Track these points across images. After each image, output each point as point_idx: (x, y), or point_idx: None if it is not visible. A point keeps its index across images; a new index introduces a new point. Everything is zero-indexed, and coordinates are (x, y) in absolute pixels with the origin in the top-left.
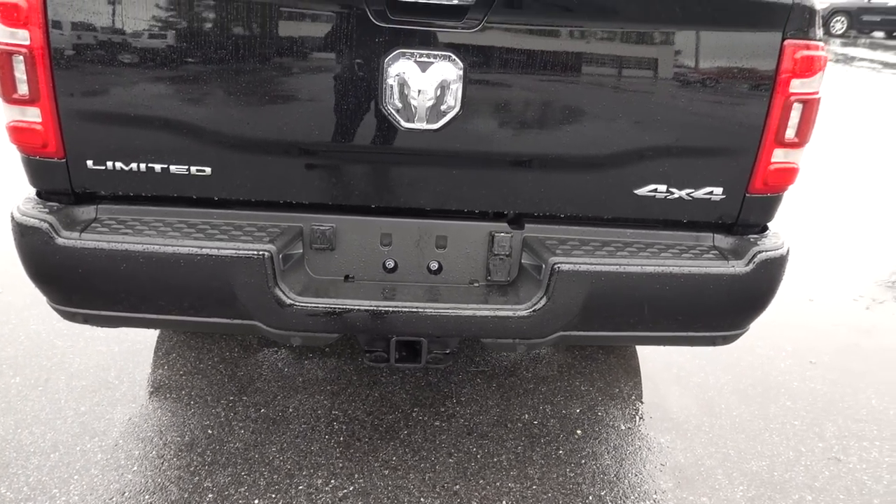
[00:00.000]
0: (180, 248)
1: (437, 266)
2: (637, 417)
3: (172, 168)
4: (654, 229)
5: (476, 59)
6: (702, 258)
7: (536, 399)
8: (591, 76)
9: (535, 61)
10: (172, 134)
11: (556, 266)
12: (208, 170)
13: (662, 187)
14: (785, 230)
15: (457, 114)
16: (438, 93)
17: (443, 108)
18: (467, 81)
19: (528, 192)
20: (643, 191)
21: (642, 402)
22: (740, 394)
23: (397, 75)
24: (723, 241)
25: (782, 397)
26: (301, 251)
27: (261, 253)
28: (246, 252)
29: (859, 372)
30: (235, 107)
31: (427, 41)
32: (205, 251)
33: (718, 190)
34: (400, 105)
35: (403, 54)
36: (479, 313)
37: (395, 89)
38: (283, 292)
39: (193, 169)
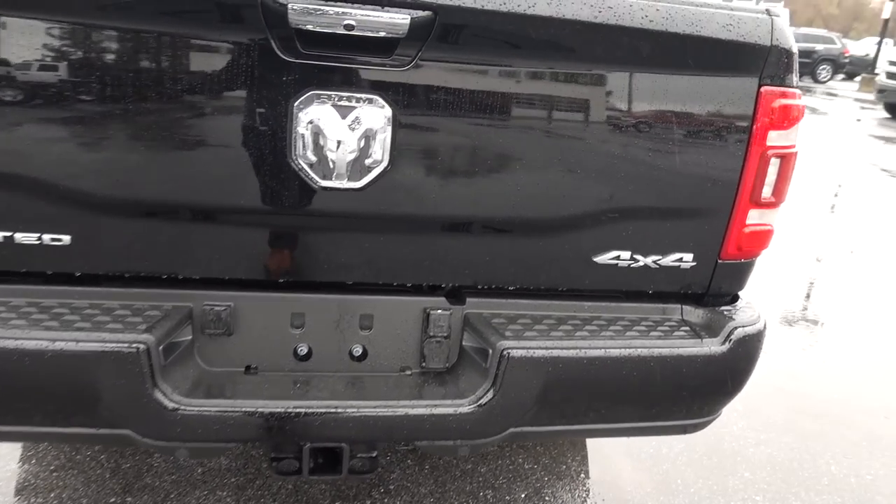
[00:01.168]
0: (26, 341)
1: (360, 351)
2: (588, 500)
3: (18, 236)
4: (617, 301)
5: (408, 104)
6: (672, 336)
7: (476, 483)
8: (543, 125)
9: (478, 106)
10: (17, 193)
11: (505, 352)
12: (66, 238)
13: (626, 254)
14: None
15: (385, 169)
16: (362, 144)
17: (368, 162)
18: (397, 130)
19: (470, 260)
20: (604, 258)
21: (592, 481)
22: (696, 465)
23: (310, 123)
24: (693, 313)
25: (740, 467)
26: (190, 338)
27: (134, 346)
28: (114, 346)
29: (813, 433)
30: (103, 158)
31: (348, 81)
32: (58, 346)
33: (688, 256)
34: (314, 159)
35: (318, 97)
36: (412, 412)
37: (308, 140)
38: (165, 394)
39: (47, 237)
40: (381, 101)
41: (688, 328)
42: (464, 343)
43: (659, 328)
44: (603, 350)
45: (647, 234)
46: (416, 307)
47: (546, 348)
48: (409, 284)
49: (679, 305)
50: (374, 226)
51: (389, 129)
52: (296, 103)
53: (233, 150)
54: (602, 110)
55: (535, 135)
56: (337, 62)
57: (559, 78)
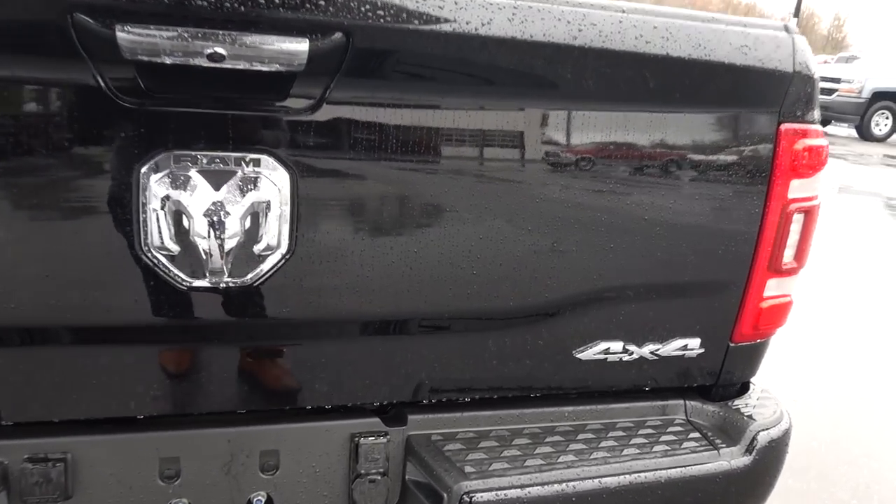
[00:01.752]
0: None
1: (264, 503)
2: None
3: None
4: (605, 402)
5: (314, 163)
6: (682, 448)
7: None
8: (504, 177)
9: (414, 160)
10: None
11: (467, 497)
12: None
13: (616, 346)
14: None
15: (284, 257)
16: (248, 224)
17: (258, 249)
18: (300, 201)
19: (411, 366)
20: (589, 353)
21: None
22: None
23: (167, 198)
24: (701, 412)
25: None
26: None
27: None
28: None
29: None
30: None
31: (220, 136)
32: None
33: (694, 342)
34: (176, 249)
35: (177, 160)
36: None
37: (166, 222)
38: None
39: None
40: (273, 161)
41: (698, 434)
42: (408, 478)
43: (663, 436)
44: (597, 481)
45: (642, 318)
46: (339, 434)
47: (523, 486)
48: (328, 406)
49: (682, 401)
50: (273, 333)
51: (288, 200)
52: (143, 170)
53: (57, 240)
54: (580, 160)
55: (493, 193)
56: (202, 108)
57: (522, 120)
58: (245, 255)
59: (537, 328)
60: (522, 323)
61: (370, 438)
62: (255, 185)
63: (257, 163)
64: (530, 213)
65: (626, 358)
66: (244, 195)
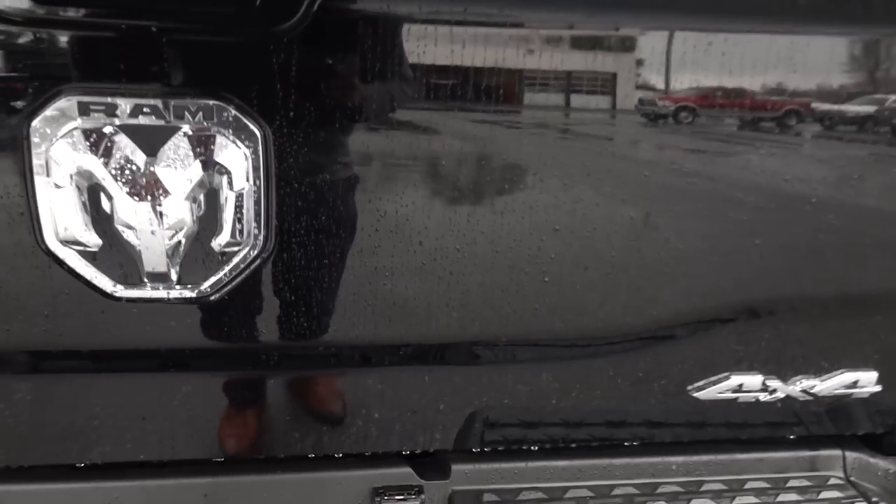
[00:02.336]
0: None
1: None
2: None
3: None
4: (728, 452)
5: (299, 113)
6: None
7: None
8: (592, 137)
9: (449, 104)
10: None
11: None
12: None
13: (753, 380)
14: None
15: (259, 256)
16: (201, 208)
17: (219, 243)
18: (281, 173)
19: (457, 400)
20: (711, 391)
21: None
22: None
23: (75, 166)
24: (865, 467)
25: None
26: None
27: None
28: None
29: None
30: None
31: (153, 70)
32: None
33: (868, 377)
34: (94, 241)
35: (86, 109)
36: None
37: (77, 202)
38: None
39: None
40: (234, 112)
41: (865, 501)
42: None
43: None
44: None
45: (794, 343)
46: (354, 490)
47: None
48: (336, 453)
49: (839, 452)
50: (248, 361)
51: (262, 170)
52: (35, 123)
53: None
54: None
55: (576, 162)
56: (120, 26)
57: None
58: (200, 252)
59: (636, 356)
60: (614, 348)
61: (398, 496)
62: (209, 149)
63: (211, 113)
64: (632, 190)
65: (764, 397)
66: (192, 163)
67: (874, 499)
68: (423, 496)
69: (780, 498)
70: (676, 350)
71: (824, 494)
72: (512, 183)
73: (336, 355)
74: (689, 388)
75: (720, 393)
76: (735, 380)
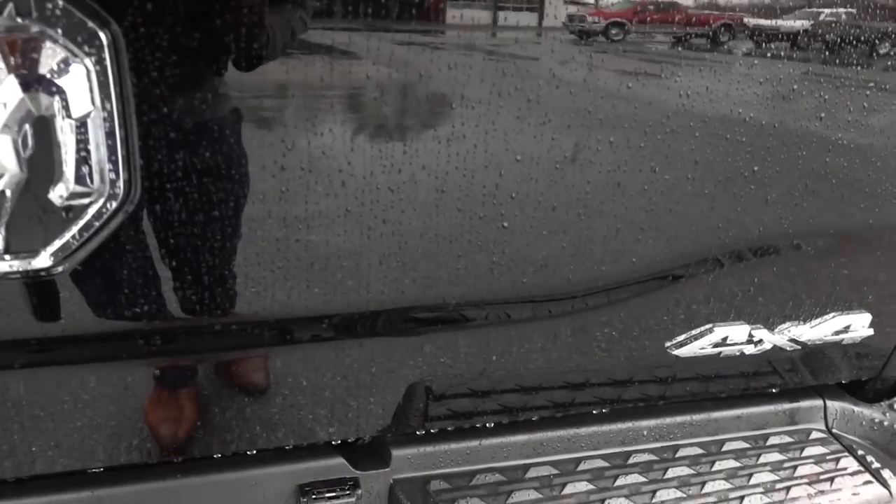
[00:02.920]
0: None
1: None
2: None
3: None
4: (702, 411)
5: (148, 12)
6: (830, 485)
7: None
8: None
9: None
10: None
11: None
12: None
13: (738, 332)
14: None
15: (118, 209)
16: (28, 146)
17: (59, 195)
18: (140, 94)
19: (394, 376)
20: (693, 347)
21: None
22: None
23: None
24: (847, 417)
25: None
26: None
27: None
28: None
29: None
30: None
31: None
32: None
33: (860, 320)
34: None
35: None
36: None
37: None
38: None
39: None
40: (67, 3)
41: (849, 455)
42: None
43: (797, 464)
44: None
45: (783, 287)
46: (277, 489)
47: None
48: (249, 450)
49: (820, 402)
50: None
51: (115, 88)
52: None
53: None
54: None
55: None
56: None
57: None
58: (35, 208)
59: (606, 312)
60: (582, 304)
61: (328, 494)
62: (30, 59)
63: (28, 6)
64: (601, 115)
65: (749, 350)
66: (6, 82)
67: (860, 452)
68: (359, 490)
69: (762, 459)
70: (654, 303)
71: (808, 451)
72: (435, 113)
73: (241, 333)
74: (668, 344)
75: (702, 349)
76: (719, 332)
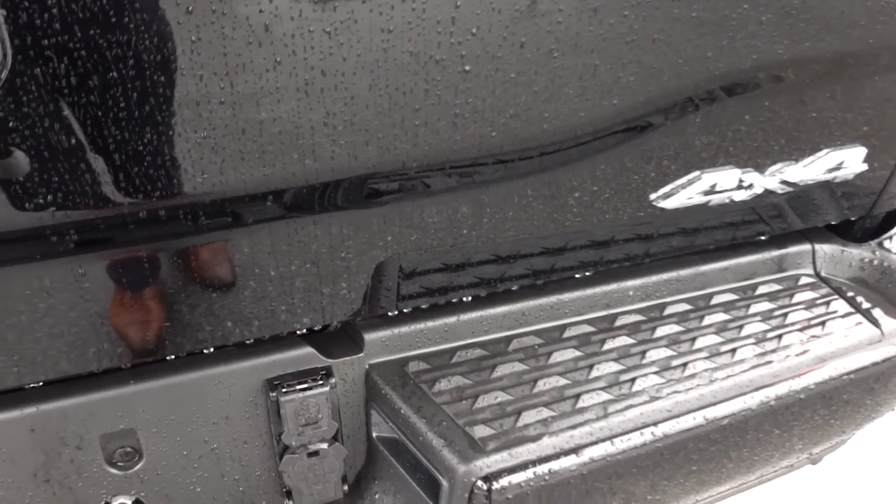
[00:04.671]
0: None
1: None
2: None
3: None
4: (688, 266)
5: None
6: (822, 329)
7: None
8: None
9: None
10: None
11: (484, 485)
12: None
13: (728, 177)
14: None
15: None
16: None
17: None
18: None
19: (361, 250)
20: (680, 197)
21: None
22: None
23: None
24: (835, 260)
25: None
26: None
27: None
28: None
29: None
30: None
31: None
32: None
33: (855, 154)
34: None
35: None
36: None
37: None
38: None
39: None
40: None
41: (840, 299)
42: (376, 435)
43: (788, 311)
44: (707, 414)
45: (775, 123)
46: (241, 387)
47: (579, 449)
48: (207, 347)
49: (808, 246)
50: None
51: None
52: None
53: None
54: None
55: None
56: None
57: None
58: None
59: (585, 165)
60: (558, 159)
61: (299, 386)
62: None
63: None
64: None
65: (738, 196)
66: None
67: (849, 293)
68: (332, 379)
69: (752, 309)
70: (634, 152)
71: (797, 297)
72: None
73: (181, 217)
74: (653, 196)
75: (689, 198)
76: (707, 179)
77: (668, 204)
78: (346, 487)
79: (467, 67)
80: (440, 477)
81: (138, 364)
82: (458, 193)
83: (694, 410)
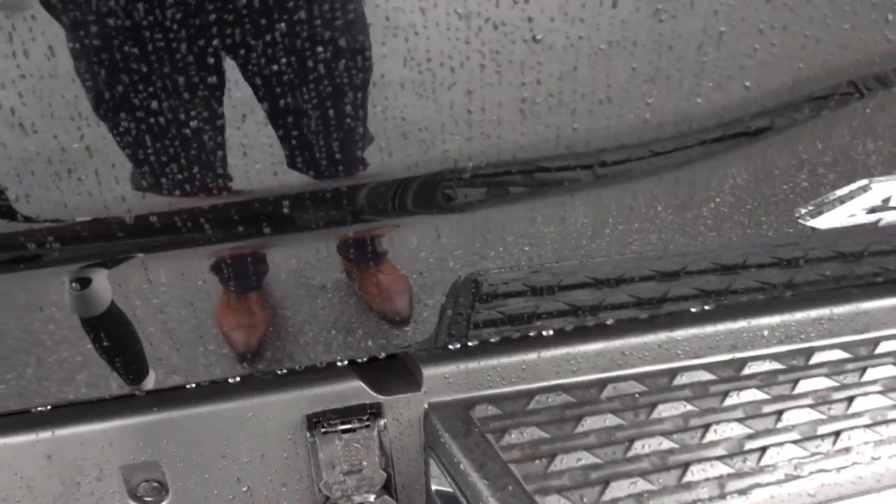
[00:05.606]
0: None
1: None
2: None
3: None
4: (844, 301)
5: None
6: None
7: None
8: None
9: None
10: None
11: None
12: None
13: None
14: None
15: None
16: None
17: None
18: None
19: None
20: (839, 212)
21: None
22: None
23: None
24: None
25: None
26: None
27: None
28: None
29: None
30: None
31: None
32: None
33: None
34: None
35: None
36: None
37: None
38: None
39: None
40: None
41: None
42: (435, 488)
43: None
44: None
45: None
46: (278, 420)
47: None
48: (236, 377)
49: None
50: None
51: None
52: None
53: None
54: None
55: None
56: None
57: None
58: None
59: (709, 167)
60: (672, 159)
61: (345, 424)
62: None
63: None
64: None
65: None
66: None
67: None
68: (381, 420)
69: None
70: (776, 153)
71: None
72: None
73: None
74: (801, 212)
75: (851, 215)
76: (879, 191)
77: (818, 222)
78: None
79: (537, 37)
80: None
81: (161, 390)
82: (546, 198)
83: (849, 497)
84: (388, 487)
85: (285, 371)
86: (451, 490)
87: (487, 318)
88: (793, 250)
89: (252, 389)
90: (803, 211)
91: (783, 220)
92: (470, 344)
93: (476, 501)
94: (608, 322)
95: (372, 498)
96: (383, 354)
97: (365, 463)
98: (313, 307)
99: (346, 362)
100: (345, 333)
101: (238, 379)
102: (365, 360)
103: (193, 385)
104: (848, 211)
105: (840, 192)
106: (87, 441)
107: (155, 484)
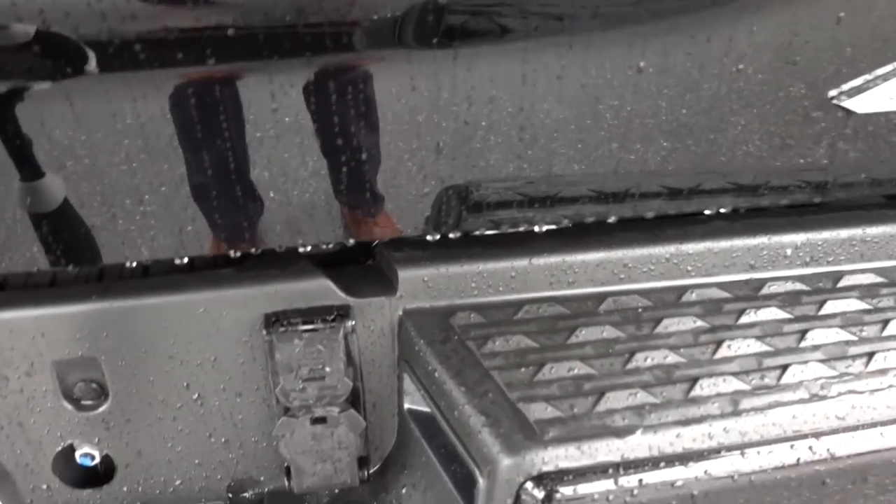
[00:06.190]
0: None
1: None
2: None
3: None
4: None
5: None
6: None
7: None
8: None
9: None
10: None
11: (537, 488)
12: None
13: None
14: None
15: None
16: None
17: None
18: None
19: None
20: (880, 93)
21: None
22: None
23: None
24: None
25: None
26: None
27: None
28: None
29: None
30: None
31: None
32: None
33: None
34: None
35: None
36: None
37: None
38: None
39: None
40: None
41: None
42: (407, 407)
43: None
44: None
45: None
46: (235, 316)
47: (682, 460)
48: (179, 257)
49: None
50: None
51: None
52: None
53: None
54: None
55: None
56: None
57: None
58: None
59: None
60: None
61: (307, 326)
62: None
63: None
64: None
65: None
66: None
67: None
68: (349, 322)
69: None
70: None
71: None
72: None
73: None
74: (834, 92)
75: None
76: None
77: (857, 103)
78: (365, 474)
79: None
80: (475, 470)
81: (100, 276)
82: (541, 60)
83: (883, 424)
84: (355, 404)
85: (240, 255)
86: (426, 409)
87: (477, 201)
88: (824, 148)
89: (204, 282)
90: (836, 91)
91: (813, 103)
92: (451, 236)
93: (451, 412)
94: (609, 220)
95: (336, 411)
96: (351, 241)
97: (328, 369)
98: (276, 180)
99: (308, 248)
100: (307, 216)
101: (186, 261)
102: (331, 250)
103: (134, 264)
104: (891, 92)
105: (883, 70)
106: (17, 329)
107: (93, 385)
